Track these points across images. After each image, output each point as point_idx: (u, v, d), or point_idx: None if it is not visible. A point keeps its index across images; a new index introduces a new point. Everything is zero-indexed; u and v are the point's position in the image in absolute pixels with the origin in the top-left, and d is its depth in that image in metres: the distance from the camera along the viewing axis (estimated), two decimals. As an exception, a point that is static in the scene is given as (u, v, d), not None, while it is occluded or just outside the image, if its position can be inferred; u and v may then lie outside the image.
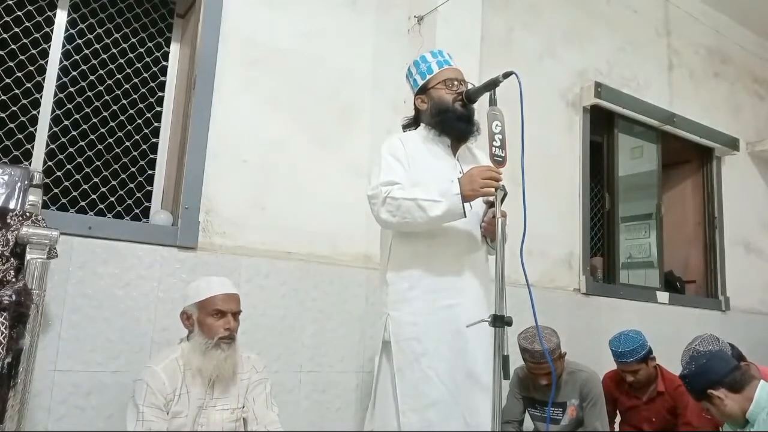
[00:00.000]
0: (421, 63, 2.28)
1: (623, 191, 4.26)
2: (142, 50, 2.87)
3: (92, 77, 2.75)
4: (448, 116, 2.18)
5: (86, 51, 2.75)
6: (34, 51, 2.64)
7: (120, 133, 2.80)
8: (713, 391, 2.15)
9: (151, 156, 2.85)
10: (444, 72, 2.24)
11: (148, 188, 2.83)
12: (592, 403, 2.80)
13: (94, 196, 2.72)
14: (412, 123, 2.36)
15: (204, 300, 2.09)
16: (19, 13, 2.62)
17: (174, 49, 2.97)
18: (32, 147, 2.61)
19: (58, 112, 2.68)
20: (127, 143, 2.81)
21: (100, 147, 2.76)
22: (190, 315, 2.11)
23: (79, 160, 2.71)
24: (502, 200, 1.97)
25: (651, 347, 2.95)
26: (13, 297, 1.69)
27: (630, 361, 2.88)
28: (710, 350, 2.49)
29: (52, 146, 2.66)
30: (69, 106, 2.70)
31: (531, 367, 2.76)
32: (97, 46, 2.77)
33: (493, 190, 1.95)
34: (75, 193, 2.68)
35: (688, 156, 4.90)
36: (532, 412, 2.93)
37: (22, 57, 2.62)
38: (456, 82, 2.21)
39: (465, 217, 2.01)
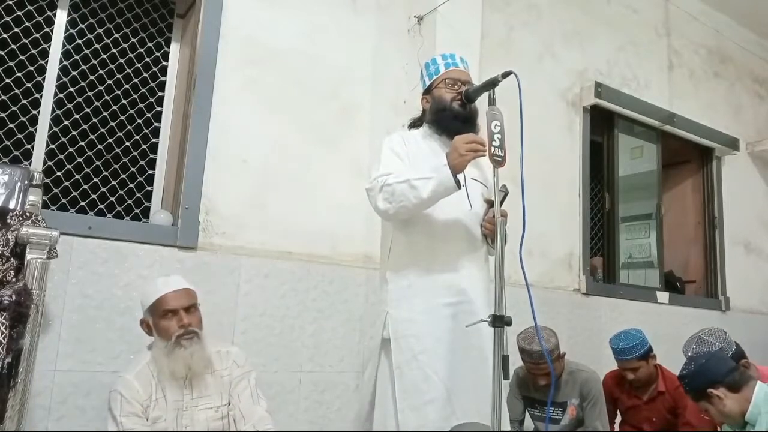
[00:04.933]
0: (431, 65, 2.30)
1: (623, 191, 4.25)
2: (142, 50, 2.87)
3: (92, 77, 2.75)
4: (445, 115, 2.18)
5: (86, 51, 2.75)
6: (34, 51, 2.64)
7: (120, 133, 2.80)
8: (713, 390, 2.16)
9: (151, 156, 2.86)
10: (448, 72, 2.24)
11: (148, 188, 2.83)
12: (592, 402, 2.80)
13: (94, 196, 2.72)
14: (418, 122, 2.36)
15: (153, 303, 2.05)
16: (19, 13, 2.62)
17: (174, 49, 2.97)
18: (32, 147, 2.61)
19: (58, 112, 2.68)
20: (127, 143, 2.81)
21: (100, 147, 2.76)
22: (147, 322, 2.09)
23: (79, 160, 2.71)
24: (503, 200, 1.97)
25: (651, 346, 2.95)
26: (13, 297, 1.68)
27: (630, 358, 2.88)
28: (713, 344, 2.50)
29: (52, 146, 2.66)
30: (69, 106, 2.70)
31: (530, 368, 2.76)
32: (97, 46, 2.77)
33: (479, 152, 1.96)
34: (75, 193, 2.68)
35: (688, 156, 4.90)
36: (532, 412, 2.94)
37: (22, 57, 2.62)
38: (459, 83, 2.21)
39: (459, 189, 1.99)
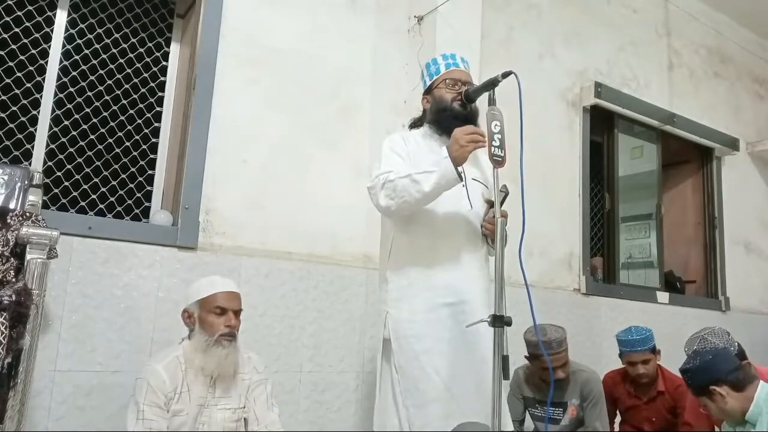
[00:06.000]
0: (432, 65, 2.30)
1: (623, 191, 4.25)
2: (142, 50, 2.87)
3: (92, 77, 2.75)
4: (446, 115, 2.19)
5: (86, 51, 2.75)
6: (34, 51, 2.64)
7: (120, 133, 2.80)
8: (716, 388, 2.16)
9: (151, 156, 2.85)
10: (449, 72, 2.25)
11: (148, 188, 2.83)
12: (592, 403, 2.79)
13: (94, 196, 2.72)
14: (418, 122, 2.37)
15: (206, 297, 2.09)
16: (19, 13, 2.62)
17: (174, 49, 2.97)
18: (32, 147, 2.61)
19: (58, 112, 2.68)
20: (127, 143, 2.81)
21: (100, 147, 2.76)
22: (191, 313, 2.12)
23: (79, 160, 2.71)
24: (503, 200, 1.98)
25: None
26: (13, 297, 1.69)
27: (642, 350, 2.88)
28: (715, 344, 2.50)
29: (52, 146, 2.66)
30: (69, 106, 2.70)
31: (545, 362, 2.59)
32: (97, 46, 2.77)
33: (479, 143, 1.98)
34: (75, 193, 2.68)
35: (688, 156, 4.90)
36: (533, 411, 2.93)
37: (22, 57, 2.62)
38: (459, 83, 2.21)
39: (461, 181, 2.00)
